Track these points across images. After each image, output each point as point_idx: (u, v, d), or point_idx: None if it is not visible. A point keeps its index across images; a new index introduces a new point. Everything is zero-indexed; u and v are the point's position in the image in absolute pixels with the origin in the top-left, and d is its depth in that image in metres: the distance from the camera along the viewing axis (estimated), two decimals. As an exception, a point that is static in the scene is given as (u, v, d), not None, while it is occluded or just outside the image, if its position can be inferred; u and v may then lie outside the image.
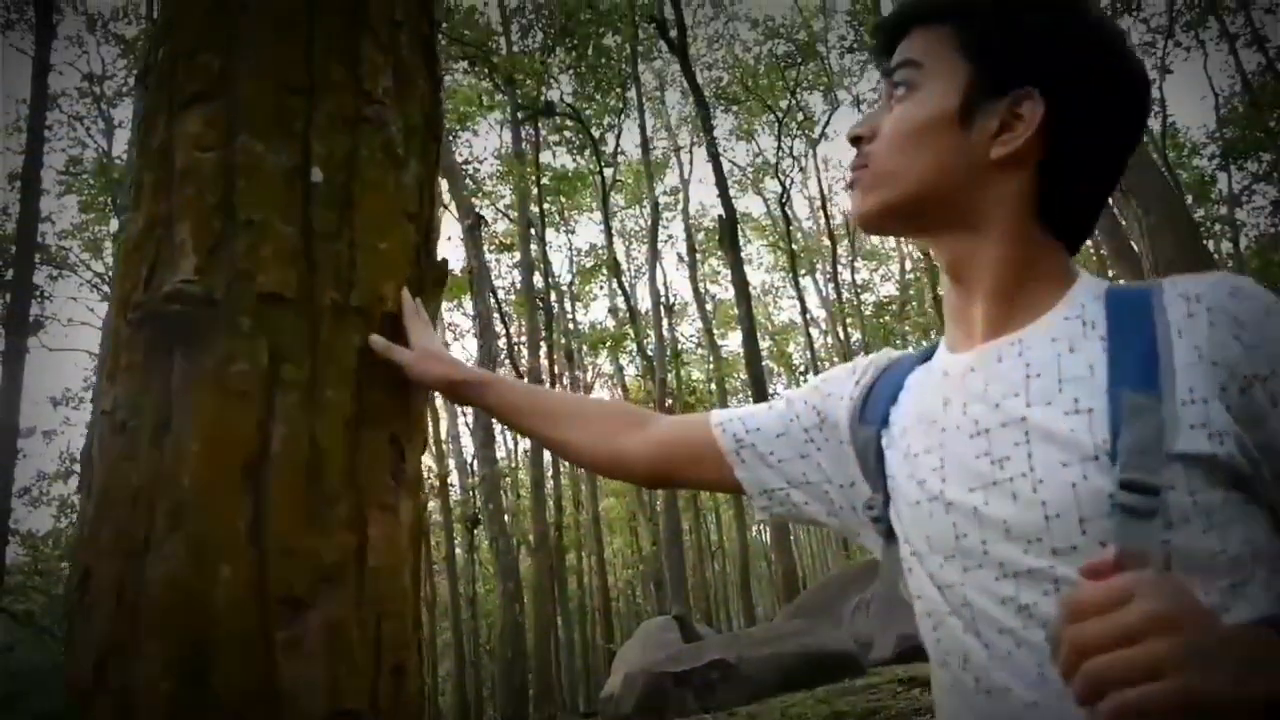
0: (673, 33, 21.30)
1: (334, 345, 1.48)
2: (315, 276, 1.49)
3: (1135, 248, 10.93)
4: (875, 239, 41.83)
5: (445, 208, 22.34)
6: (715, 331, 31.78)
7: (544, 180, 26.66)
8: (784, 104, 30.95)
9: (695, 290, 28.09)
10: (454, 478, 31.89)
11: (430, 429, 30.97)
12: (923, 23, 1.11)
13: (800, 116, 31.72)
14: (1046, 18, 1.04)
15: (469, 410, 30.41)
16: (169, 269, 1.47)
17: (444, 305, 25.95)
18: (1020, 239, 1.05)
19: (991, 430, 0.99)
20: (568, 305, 34.49)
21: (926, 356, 1.18)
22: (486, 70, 22.98)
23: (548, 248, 28.40)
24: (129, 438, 1.42)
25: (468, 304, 25.37)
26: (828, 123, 32.32)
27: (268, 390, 1.42)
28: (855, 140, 1.15)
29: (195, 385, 1.41)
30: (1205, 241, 26.88)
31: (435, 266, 1.69)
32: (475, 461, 20.03)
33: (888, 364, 1.23)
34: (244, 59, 1.56)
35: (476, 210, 17.53)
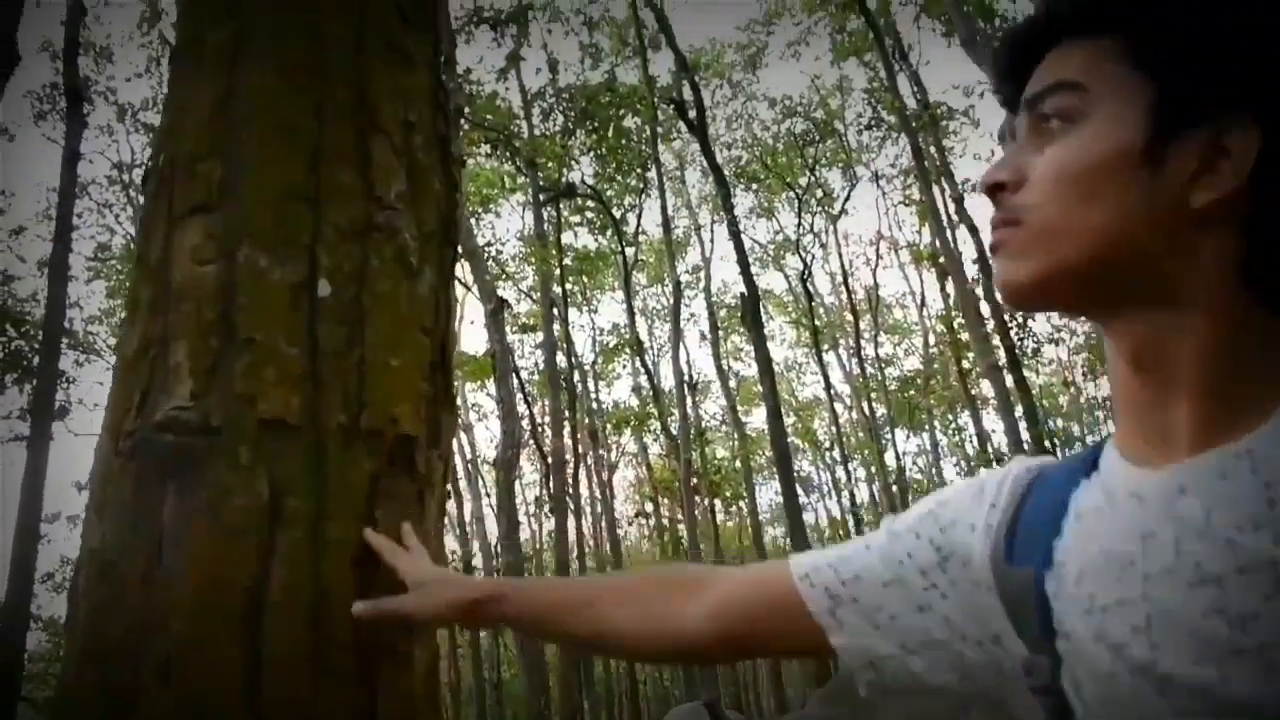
0: (692, 114, 21.47)
1: (342, 474, 1.36)
2: (321, 399, 1.37)
3: None
4: (898, 313, 41.86)
5: (469, 289, 22.45)
6: (739, 408, 31.57)
7: (566, 261, 26.78)
8: (803, 181, 31.09)
9: (718, 367, 27.96)
10: (478, 560, 31.59)
11: (453, 510, 30.79)
12: (1079, 32, 0.86)
13: (820, 193, 31.85)
14: (1258, 17, 0.78)
15: (493, 492, 30.23)
16: (163, 393, 1.35)
17: (468, 387, 25.88)
18: (1234, 314, 0.79)
19: (1225, 578, 0.73)
20: (591, 384, 34.42)
21: (1086, 467, 0.91)
22: (509, 154, 23.21)
23: (570, 328, 28.44)
24: (116, 581, 1.30)
25: (491, 387, 25.34)
26: (847, 199, 32.45)
27: (268, 527, 1.29)
28: (994, 190, 0.88)
29: (189, 522, 1.29)
30: None
31: (451, 385, 1.57)
32: (499, 547, 19.81)
33: (1031, 479, 0.96)
34: (247, 166, 1.46)
35: (499, 294, 17.56)
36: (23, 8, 12.66)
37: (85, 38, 27.13)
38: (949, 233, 23.20)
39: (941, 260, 24.70)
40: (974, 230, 21.54)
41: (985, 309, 21.29)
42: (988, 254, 0.90)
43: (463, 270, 18.31)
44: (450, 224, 1.66)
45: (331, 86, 1.54)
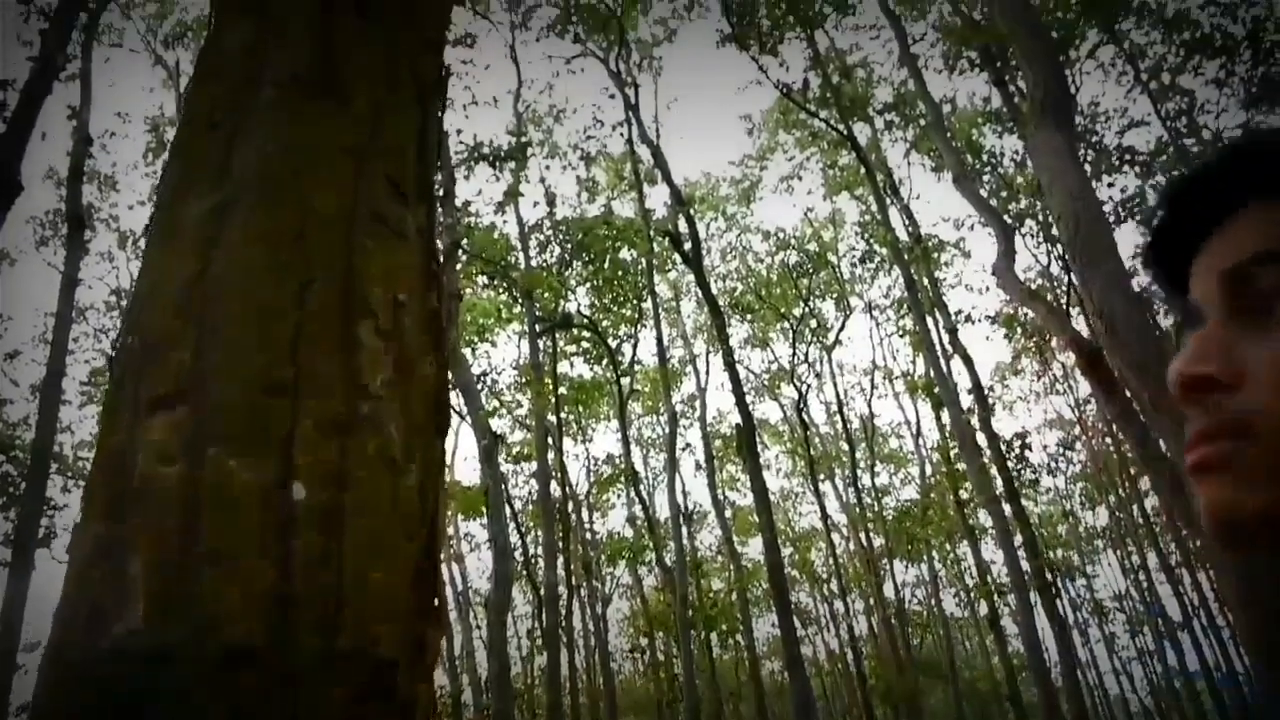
0: (687, 246, 21.69)
1: (312, 707, 1.20)
2: (294, 621, 1.22)
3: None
4: (894, 443, 41.67)
5: (464, 419, 22.27)
6: (735, 539, 31.11)
7: (561, 390, 26.71)
8: (797, 312, 31.31)
9: (714, 498, 27.64)
10: (467, 695, 30.69)
11: (444, 645, 29.99)
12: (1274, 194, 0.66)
13: (814, 323, 32.04)
14: None
15: (483, 626, 29.52)
16: (116, 612, 1.20)
17: (460, 517, 25.47)
18: None
19: None
20: (585, 515, 33.97)
21: None
22: (505, 285, 23.36)
23: (565, 457, 28.18)
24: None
25: (485, 517, 24.96)
26: (841, 329, 32.61)
27: (225, 775, 1.12)
28: (1199, 386, 0.66)
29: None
30: None
31: (438, 598, 1.42)
32: (489, 688, 19.20)
33: None
34: (220, 354, 1.34)
35: (493, 429, 17.41)
36: (27, 139, 12.84)
37: (90, 166, 27.67)
38: (943, 363, 23.22)
39: (936, 390, 24.66)
40: (968, 361, 21.57)
41: (981, 439, 21.18)
42: (1191, 472, 0.66)
43: (458, 400, 18.22)
44: (440, 409, 1.54)
45: (316, 266, 1.43)
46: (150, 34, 27.95)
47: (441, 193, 14.64)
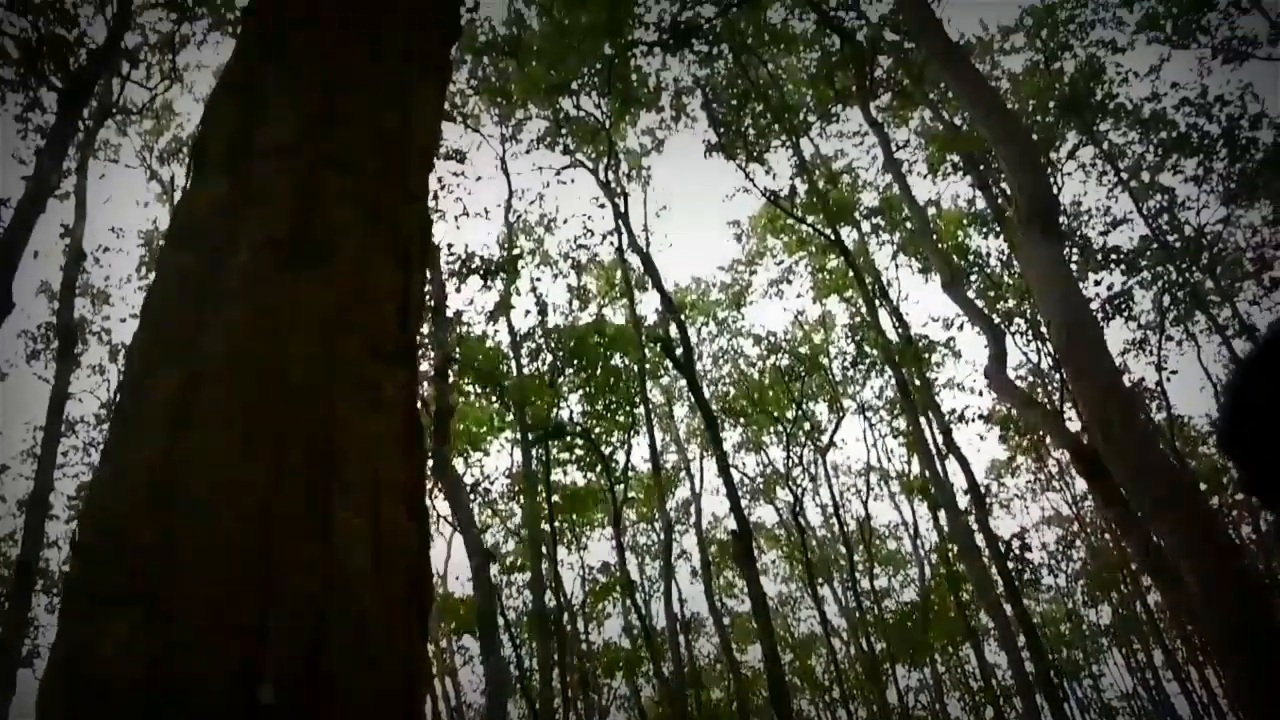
0: (678, 351, 21.70)
1: None
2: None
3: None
4: (892, 544, 41.24)
5: (455, 529, 21.98)
6: (734, 646, 30.53)
7: (555, 499, 26.45)
8: (790, 415, 31.23)
9: (711, 605, 27.16)
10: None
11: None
12: None
13: (807, 426, 31.93)
14: None
15: None
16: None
17: (449, 628, 24.95)
18: None
19: None
20: (581, 625, 33.36)
21: None
22: (497, 394, 23.29)
23: (559, 566, 27.78)
24: None
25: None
26: (835, 431, 32.48)
27: None
28: None
29: None
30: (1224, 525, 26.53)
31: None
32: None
33: None
34: (186, 544, 1.27)
35: (485, 545, 17.17)
36: (19, 258, 12.89)
37: (84, 281, 27.79)
38: (938, 464, 23.08)
39: (933, 491, 24.49)
40: (963, 462, 21.44)
41: (980, 540, 20.94)
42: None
43: (450, 508, 18.00)
44: (421, 589, 1.45)
45: (291, 444, 1.37)
46: (147, 149, 28.35)
47: (433, 305, 14.69)
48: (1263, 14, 25.48)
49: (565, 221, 33.89)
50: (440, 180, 19.24)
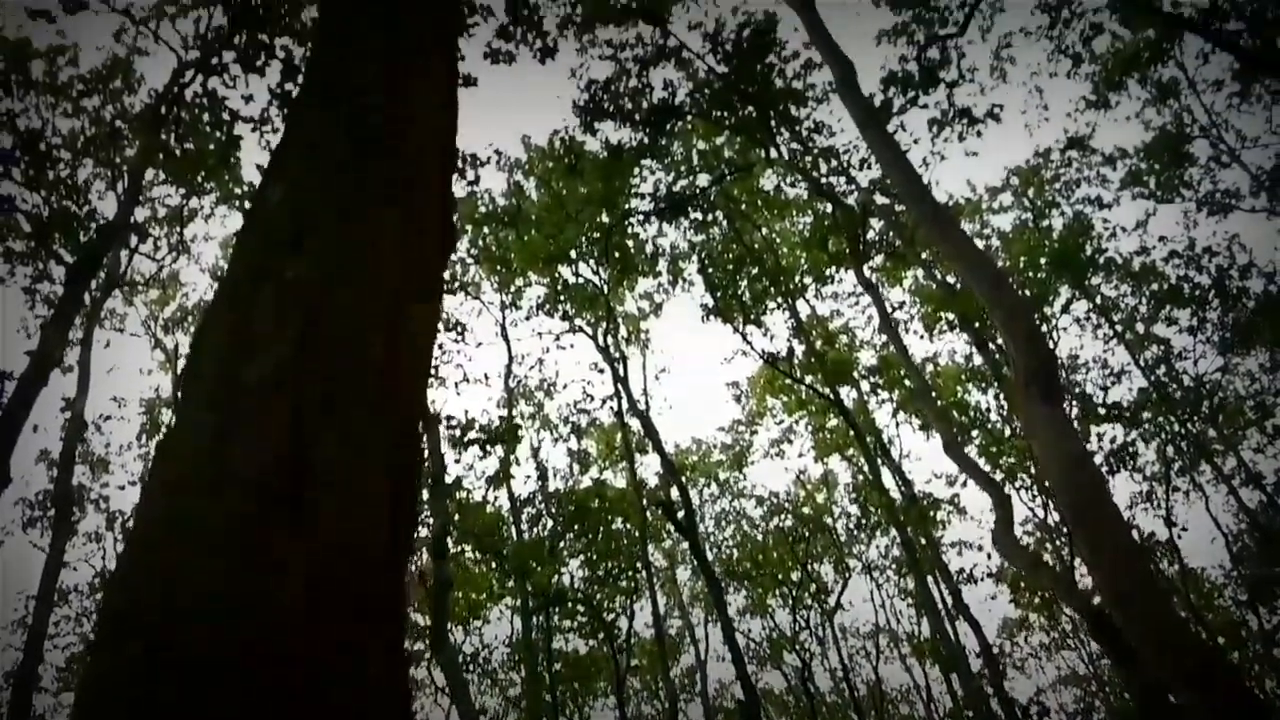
0: (680, 514, 21.46)
1: None
2: None
3: None
4: (905, 709, 39.89)
5: (453, 702, 21.30)
6: (747, 822, 29.21)
7: (556, 667, 25.75)
8: (795, 576, 30.71)
9: (721, 780, 26.15)
10: None
11: None
12: None
13: (813, 588, 31.35)
14: None
15: None
16: None
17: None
18: None
19: None
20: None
21: None
22: (497, 560, 22.94)
23: (562, 739, 26.84)
24: None
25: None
26: (842, 592, 31.89)
27: None
28: None
29: None
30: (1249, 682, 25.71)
31: None
32: None
33: None
34: None
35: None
36: (19, 432, 12.84)
37: (84, 448, 27.65)
38: (949, 624, 22.55)
39: (944, 653, 23.84)
40: (974, 623, 20.93)
41: (996, 704, 20.27)
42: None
43: (446, 681, 17.44)
44: None
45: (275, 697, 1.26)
46: (152, 319, 28.67)
47: (431, 481, 14.57)
48: (1243, 168, 26.21)
49: (565, 387, 34.03)
50: (440, 347, 19.40)
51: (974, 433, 25.32)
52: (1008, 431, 25.15)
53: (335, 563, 1.48)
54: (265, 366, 1.69)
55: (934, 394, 22.32)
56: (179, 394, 1.87)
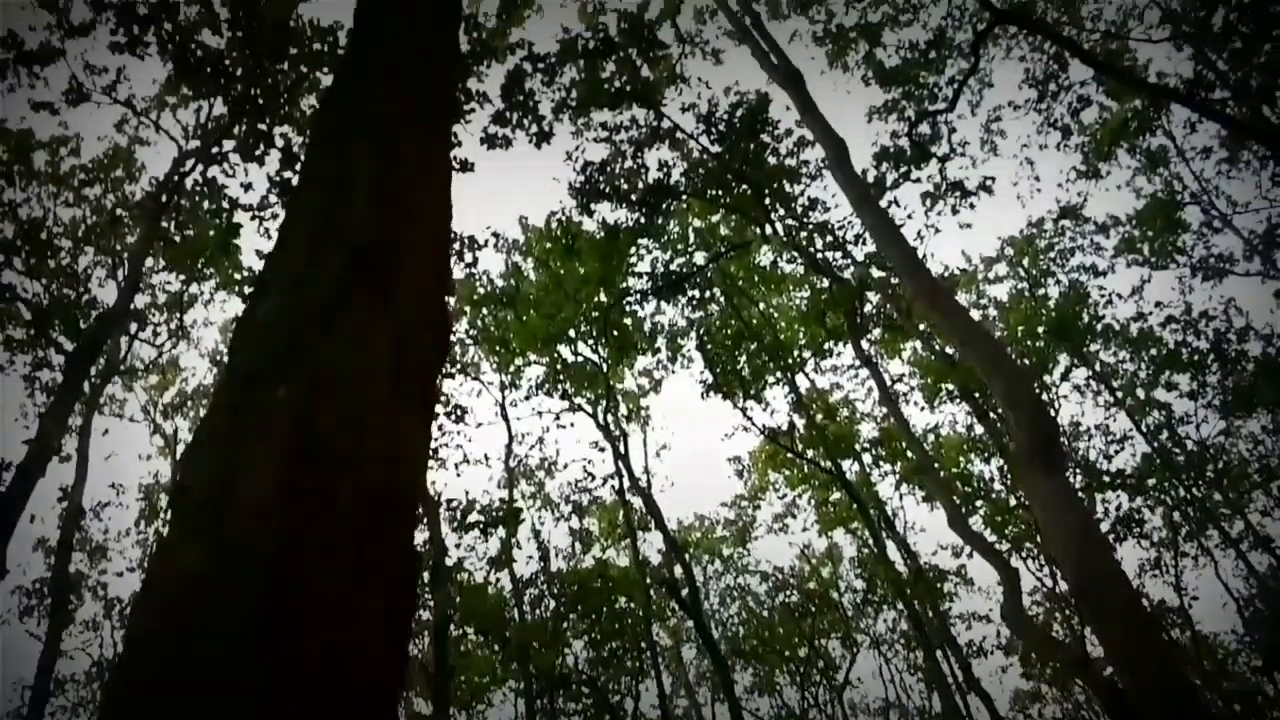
0: (684, 592, 21.23)
1: None
2: None
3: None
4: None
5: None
6: None
7: (562, 753, 25.25)
8: (802, 653, 30.28)
9: None
10: None
11: None
12: None
13: (821, 664, 30.89)
14: None
15: None
16: None
17: None
18: None
19: None
20: None
21: None
22: (499, 643, 22.63)
23: (567, 826, 26.20)
24: None
25: None
26: (850, 668, 31.42)
27: None
28: None
29: None
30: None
31: None
32: None
33: None
34: None
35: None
36: (15, 522, 12.75)
37: (81, 535, 27.43)
38: (960, 699, 22.18)
39: (958, 730, 23.39)
40: (985, 697, 20.58)
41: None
42: None
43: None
44: None
45: None
46: (151, 404, 28.65)
47: (432, 565, 14.44)
48: (1235, 232, 26.40)
49: (566, 465, 33.87)
50: (440, 428, 19.37)
51: (978, 503, 25.15)
52: (1012, 501, 24.99)
53: (325, 691, 1.45)
54: (254, 488, 1.67)
55: (937, 465, 22.22)
56: (167, 514, 1.85)
